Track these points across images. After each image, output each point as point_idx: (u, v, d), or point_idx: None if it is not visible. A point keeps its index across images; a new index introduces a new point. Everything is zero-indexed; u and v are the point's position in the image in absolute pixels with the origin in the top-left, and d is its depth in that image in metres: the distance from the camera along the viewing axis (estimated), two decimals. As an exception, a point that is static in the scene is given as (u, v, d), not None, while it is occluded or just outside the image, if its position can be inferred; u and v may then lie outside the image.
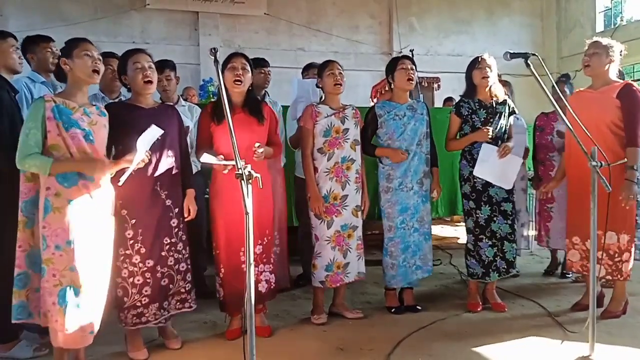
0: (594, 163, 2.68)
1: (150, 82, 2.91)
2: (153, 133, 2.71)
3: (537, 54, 2.82)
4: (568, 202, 3.64)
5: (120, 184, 2.67)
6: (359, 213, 3.57)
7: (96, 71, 2.63)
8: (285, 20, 9.52)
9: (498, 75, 3.72)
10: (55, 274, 2.47)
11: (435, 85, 7.61)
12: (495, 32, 10.43)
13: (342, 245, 3.51)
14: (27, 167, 2.50)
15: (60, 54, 2.68)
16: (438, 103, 7.92)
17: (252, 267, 2.06)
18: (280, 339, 3.24)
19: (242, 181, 2.02)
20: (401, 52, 9.64)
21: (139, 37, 8.56)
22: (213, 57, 2.36)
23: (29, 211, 2.55)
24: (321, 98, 3.68)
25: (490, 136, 3.55)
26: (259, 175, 2.07)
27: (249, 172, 2.04)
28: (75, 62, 2.59)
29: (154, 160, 2.87)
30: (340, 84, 3.48)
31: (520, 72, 3.03)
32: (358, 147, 3.56)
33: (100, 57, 2.68)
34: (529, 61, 2.76)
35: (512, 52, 2.83)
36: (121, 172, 2.69)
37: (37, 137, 2.49)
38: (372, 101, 6.57)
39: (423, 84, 7.23)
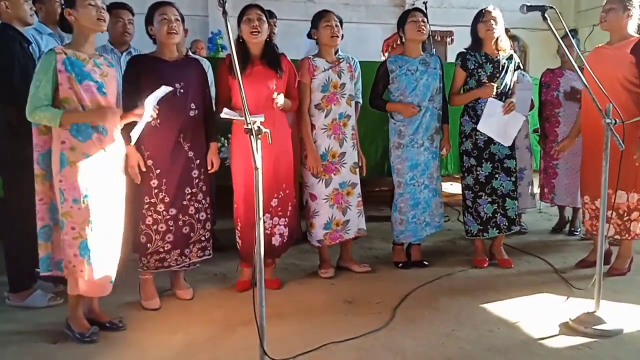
0: (607, 120, 2.63)
1: (175, 33, 2.92)
2: (162, 91, 2.71)
3: (554, 8, 2.73)
4: (582, 159, 3.61)
5: (132, 143, 2.71)
6: (357, 170, 3.55)
7: (101, 19, 2.59)
8: (295, -30, 9.29)
9: (506, 29, 3.63)
10: (74, 227, 2.51)
11: (449, 40, 7.44)
12: (511, -16, 10.12)
13: (341, 202, 3.50)
14: (38, 120, 2.49)
15: (64, 4, 2.62)
16: (451, 58, 7.74)
17: (262, 222, 2.08)
18: (289, 292, 3.30)
19: (252, 136, 2.01)
20: (414, 4, 9.39)
21: (147, -13, 8.41)
22: (221, 9, 2.32)
23: (46, 164, 2.56)
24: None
25: (494, 93, 3.49)
26: (268, 130, 2.06)
27: (258, 127, 2.02)
28: (80, 11, 2.54)
29: (177, 113, 2.93)
30: (337, 36, 3.40)
31: (537, 26, 2.95)
32: (353, 103, 3.51)
33: (104, 6, 2.63)
34: (546, 15, 2.69)
35: (528, 4, 2.75)
36: (130, 126, 2.70)
37: (46, 89, 2.48)
38: (384, 55, 6.45)
39: (436, 38, 7.07)
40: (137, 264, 3.04)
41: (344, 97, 3.44)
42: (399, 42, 4.02)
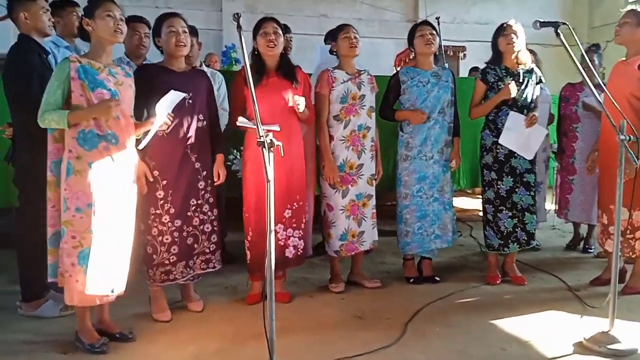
0: (622, 137, 2.61)
1: (183, 45, 2.94)
2: (173, 97, 2.74)
3: (567, 23, 2.73)
4: (600, 175, 3.58)
5: (140, 147, 2.73)
6: (374, 182, 3.55)
7: (118, 31, 2.62)
8: (308, -15, 9.37)
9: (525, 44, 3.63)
10: (75, 236, 2.51)
11: (461, 55, 7.46)
12: (524, 0, 10.11)
13: (357, 214, 3.50)
14: (47, 123, 2.52)
15: (83, 14, 2.66)
16: (464, 73, 7.77)
17: (273, 234, 2.08)
18: (299, 306, 3.29)
19: (264, 149, 2.02)
20: (427, 19, 9.45)
21: (162, 1, 8.50)
22: (236, 23, 2.34)
23: (58, 171, 2.58)
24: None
25: (514, 92, 3.46)
26: (280, 143, 2.07)
27: (271, 140, 2.03)
28: (98, 22, 2.58)
29: (185, 124, 2.93)
30: (356, 47, 3.42)
31: (549, 41, 2.96)
32: (373, 114, 3.52)
33: (123, 17, 2.67)
34: (559, 30, 2.68)
35: (541, 20, 2.75)
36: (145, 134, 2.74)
37: (57, 95, 2.51)
38: (396, 69, 6.47)
39: (449, 52, 7.09)
40: (145, 276, 3.04)
41: (363, 109, 3.45)
42: (411, 57, 4.03)
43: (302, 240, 3.32)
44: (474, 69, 7.57)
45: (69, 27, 3.35)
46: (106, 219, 2.58)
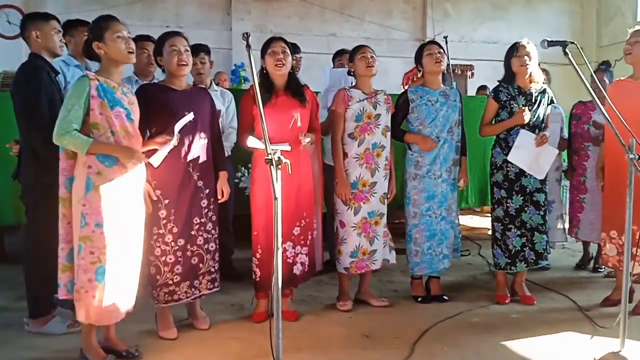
0: (631, 156, 2.60)
1: (185, 64, 2.95)
2: (187, 118, 2.77)
3: (575, 43, 2.73)
4: (604, 194, 3.55)
5: (155, 166, 2.75)
6: (386, 200, 3.55)
7: (131, 52, 2.66)
8: (317, 6, 9.45)
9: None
10: (93, 252, 2.51)
11: (469, 73, 7.48)
12: (532, 19, 10.15)
13: (369, 232, 3.49)
14: (65, 144, 2.51)
15: (90, 36, 2.66)
16: (471, 91, 7.78)
17: (280, 251, 2.08)
18: (306, 324, 3.27)
19: (272, 167, 2.02)
20: (434, 38, 9.49)
21: (172, 21, 8.62)
22: (245, 42, 2.37)
23: (72, 188, 2.57)
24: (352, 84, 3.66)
25: (527, 119, 3.46)
26: (288, 161, 2.07)
27: (279, 157, 2.04)
28: (109, 45, 2.60)
29: (186, 143, 2.93)
30: (373, 66, 3.45)
31: (558, 60, 2.97)
32: (389, 134, 3.53)
33: (131, 35, 2.69)
34: (567, 50, 2.69)
35: (549, 39, 2.77)
36: (151, 152, 2.75)
37: (78, 113, 2.51)
38: (404, 88, 6.50)
39: (456, 71, 7.12)
40: (151, 295, 3.03)
41: (378, 128, 3.47)
42: (419, 76, 4.05)
43: (308, 257, 3.32)
44: (481, 88, 7.59)
45: (81, 46, 3.38)
46: (123, 235, 2.59)
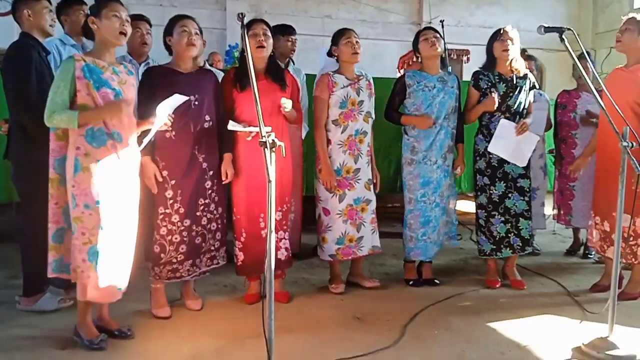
0: (624, 144, 2.61)
1: (194, 45, 2.96)
2: (176, 99, 2.75)
3: (572, 29, 2.73)
4: (595, 180, 3.58)
5: (140, 147, 2.73)
6: (372, 187, 3.55)
7: (123, 33, 2.62)
8: (313, -14, 9.38)
9: (523, 49, 3.62)
10: (84, 232, 2.52)
11: (465, 58, 7.45)
12: (529, 5, 10.11)
13: (355, 219, 3.49)
14: (56, 123, 2.51)
15: (89, 11, 2.65)
16: (467, 76, 7.71)
17: (273, 234, 2.07)
18: (298, 306, 3.29)
19: (266, 149, 2.02)
20: (430, 22, 9.41)
21: (167, 0, 8.53)
22: (240, 23, 2.36)
23: (61, 169, 2.58)
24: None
25: (497, 103, 3.46)
26: (282, 143, 2.07)
27: (273, 140, 2.03)
28: (103, 22, 2.58)
29: (192, 125, 2.95)
30: (358, 53, 3.41)
31: (553, 47, 2.96)
32: (370, 120, 3.51)
33: (129, 19, 2.67)
34: (563, 36, 2.68)
35: (546, 25, 2.75)
36: (146, 133, 2.74)
37: (64, 95, 2.51)
38: (399, 72, 6.47)
39: (452, 56, 7.08)
40: (148, 273, 3.05)
41: (361, 114, 3.45)
42: (414, 60, 4.03)
43: (288, 241, 3.33)
44: (475, 73, 7.58)
45: (76, 25, 3.34)
46: (113, 216, 2.59)
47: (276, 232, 3.23)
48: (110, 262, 2.59)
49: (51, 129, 2.58)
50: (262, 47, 3.10)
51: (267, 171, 1.99)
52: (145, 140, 2.72)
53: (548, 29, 2.75)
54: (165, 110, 2.70)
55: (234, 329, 2.91)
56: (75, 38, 3.40)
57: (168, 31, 3.01)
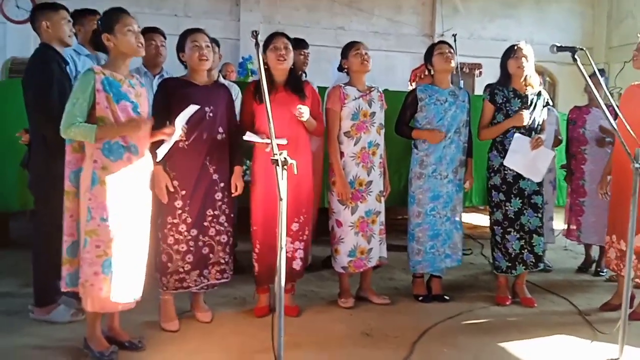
0: (637, 165, 2.60)
1: (206, 59, 3.01)
2: (190, 109, 2.80)
3: (584, 48, 2.73)
4: (611, 198, 3.56)
5: (158, 159, 2.77)
6: (382, 198, 3.56)
7: (141, 45, 2.67)
8: (326, -2, 9.43)
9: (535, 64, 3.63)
10: (99, 245, 2.54)
11: (477, 72, 7.45)
12: (542, 18, 10.09)
13: (366, 230, 3.50)
14: (72, 136, 2.54)
15: (100, 27, 2.67)
16: (479, 90, 7.74)
17: (284, 250, 2.10)
18: (307, 320, 3.30)
19: (277, 167, 2.04)
20: (443, 35, 9.43)
21: (181, 10, 8.60)
22: (254, 40, 2.38)
23: (77, 181, 2.60)
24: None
25: (527, 121, 3.47)
26: (294, 161, 2.09)
27: (285, 158, 2.05)
28: (119, 37, 2.61)
29: (204, 136, 3.00)
30: (368, 61, 3.44)
31: (567, 60, 2.93)
32: (383, 132, 3.53)
33: (139, 27, 2.71)
34: (576, 55, 2.69)
35: (558, 45, 2.76)
36: (159, 144, 2.78)
37: (82, 107, 2.53)
38: (411, 85, 6.49)
39: (464, 70, 7.07)
40: (158, 284, 3.07)
41: (373, 126, 3.47)
42: (426, 73, 4.04)
43: (304, 252, 3.35)
44: (489, 86, 7.56)
45: (90, 35, 3.40)
46: (127, 227, 2.62)
47: (292, 242, 3.27)
48: (124, 273, 2.61)
49: (67, 141, 2.61)
50: (283, 59, 3.14)
51: (278, 189, 2.00)
52: (162, 153, 2.75)
53: (560, 49, 2.76)
54: (181, 121, 2.75)
55: (243, 343, 2.92)
56: (89, 48, 3.44)
57: (180, 47, 3.06)
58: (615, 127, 2.73)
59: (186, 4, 8.70)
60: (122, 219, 2.60)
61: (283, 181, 2.05)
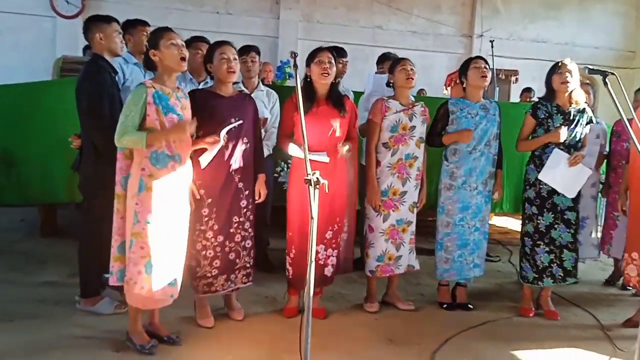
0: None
1: (234, 72, 3.13)
2: (235, 124, 3.02)
3: (616, 74, 2.76)
4: (630, 215, 3.58)
5: (203, 165, 2.98)
6: (415, 209, 3.66)
7: (183, 59, 2.84)
8: (366, -3, 9.48)
9: (580, 80, 3.65)
10: (143, 247, 2.75)
11: (513, 79, 7.40)
12: (585, 19, 9.88)
13: (396, 238, 3.62)
14: (125, 144, 2.75)
15: (148, 45, 2.86)
16: (515, 96, 7.71)
17: (313, 264, 2.22)
18: (334, 323, 3.44)
19: (310, 187, 2.17)
20: (482, 35, 9.39)
21: (222, 7, 8.78)
22: (293, 61, 2.51)
23: (127, 186, 2.81)
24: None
25: (564, 137, 3.52)
26: (326, 181, 2.21)
27: (317, 178, 2.18)
28: (163, 52, 2.80)
29: (230, 147, 3.13)
30: (412, 78, 3.54)
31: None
32: (422, 145, 3.62)
33: (184, 43, 2.88)
34: (607, 80, 2.72)
35: (590, 67, 2.80)
36: (199, 152, 2.98)
37: (134, 119, 2.73)
38: (446, 89, 6.53)
39: (500, 76, 7.05)
40: (191, 285, 3.24)
41: (412, 139, 3.57)
42: (457, 82, 4.11)
43: (337, 258, 3.49)
44: (526, 90, 7.49)
45: (139, 45, 3.59)
46: (169, 230, 2.82)
47: (325, 250, 3.42)
48: (164, 273, 2.82)
49: (119, 148, 2.81)
50: (327, 74, 3.27)
51: (310, 209, 2.14)
52: (207, 160, 2.97)
53: (592, 71, 2.78)
54: (224, 132, 2.95)
55: (272, 341, 3.09)
56: (138, 57, 3.63)
57: (208, 58, 3.19)
58: (636, 141, 2.71)
59: (227, 2, 8.88)
60: (165, 223, 2.80)
61: (315, 200, 2.17)
